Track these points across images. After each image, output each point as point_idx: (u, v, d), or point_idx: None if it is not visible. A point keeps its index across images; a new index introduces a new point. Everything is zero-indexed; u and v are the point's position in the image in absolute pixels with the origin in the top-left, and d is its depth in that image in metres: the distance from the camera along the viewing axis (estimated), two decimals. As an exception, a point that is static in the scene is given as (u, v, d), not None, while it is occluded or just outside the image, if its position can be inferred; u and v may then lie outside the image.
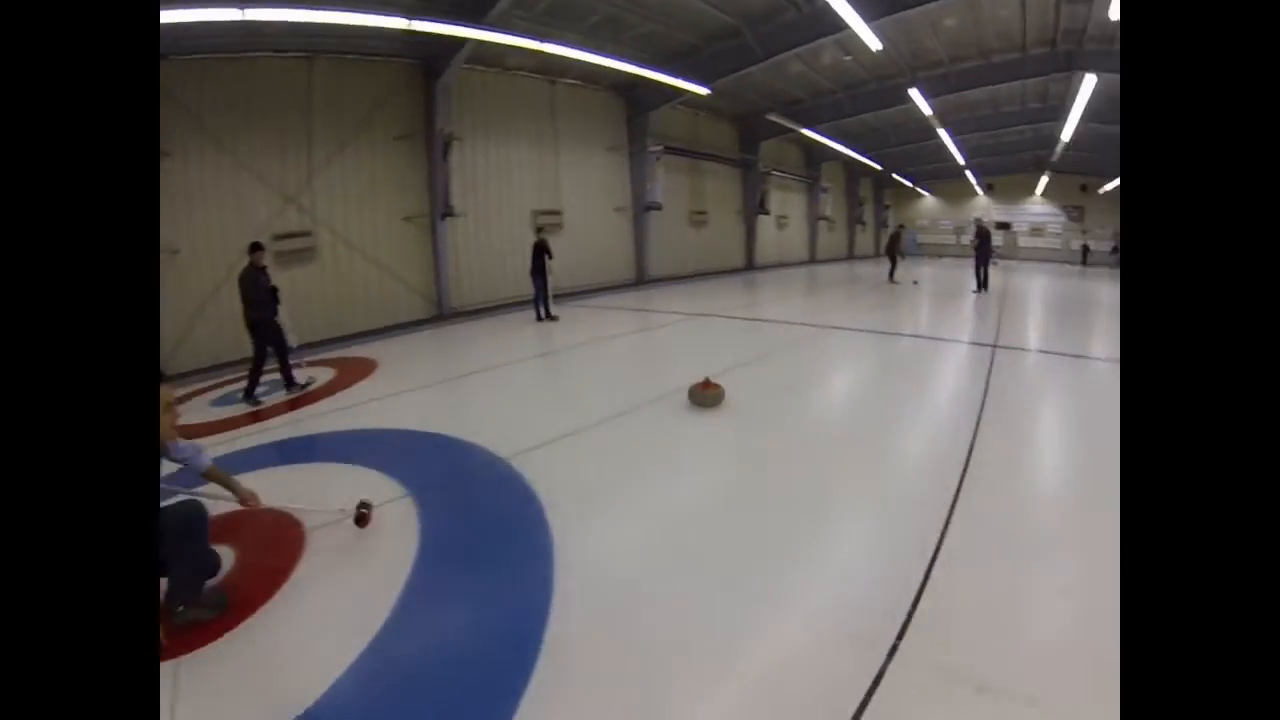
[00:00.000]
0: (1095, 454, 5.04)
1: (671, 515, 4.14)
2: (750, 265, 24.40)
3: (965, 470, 4.65)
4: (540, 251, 12.11)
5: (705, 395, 6.42)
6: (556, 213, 16.29)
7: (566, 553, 3.61)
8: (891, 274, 19.63)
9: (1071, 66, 16.78)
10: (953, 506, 4.06)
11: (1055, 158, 26.48)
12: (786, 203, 27.65)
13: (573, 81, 16.49)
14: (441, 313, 13.44)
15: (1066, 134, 20.84)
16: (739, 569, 3.41)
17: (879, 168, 29.96)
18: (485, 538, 3.90)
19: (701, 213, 21.51)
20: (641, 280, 18.75)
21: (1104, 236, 38.04)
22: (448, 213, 13.12)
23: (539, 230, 12.72)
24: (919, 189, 39.59)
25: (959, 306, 14.70)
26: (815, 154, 27.69)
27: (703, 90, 15.53)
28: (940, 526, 3.80)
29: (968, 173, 33.41)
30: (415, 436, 5.85)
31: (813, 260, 30.21)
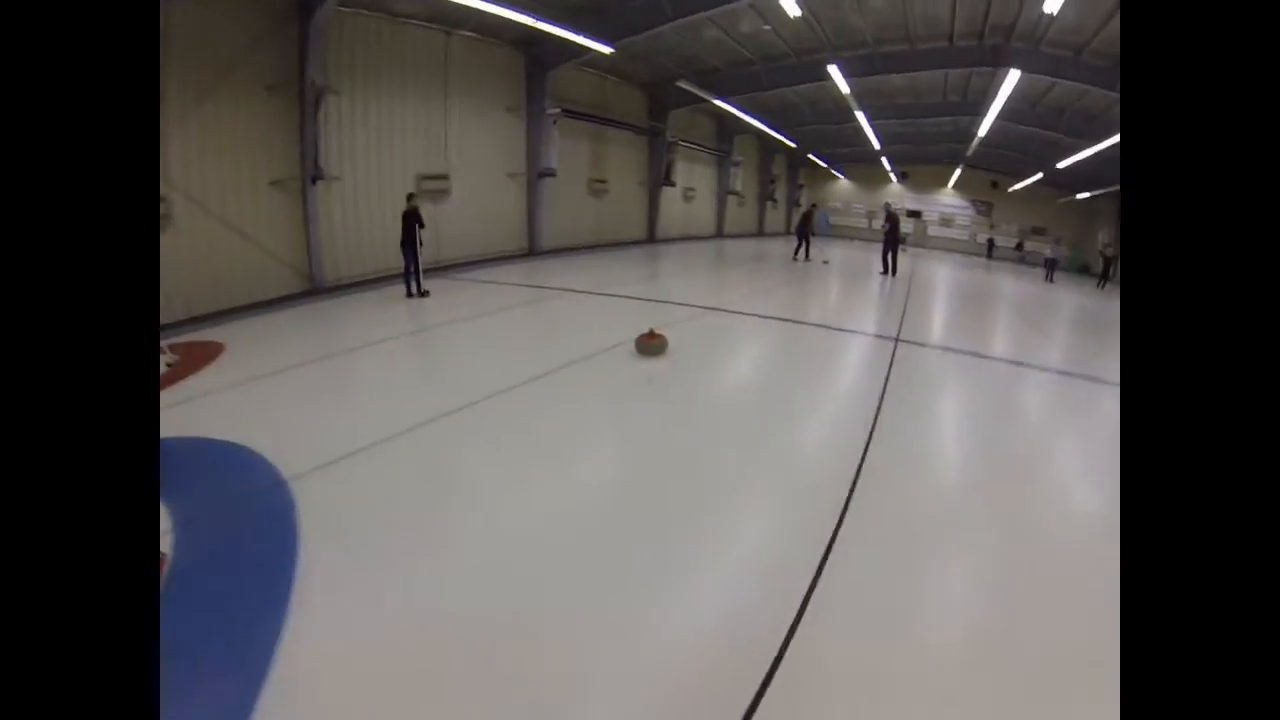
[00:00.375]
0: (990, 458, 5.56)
1: (494, 567, 3.44)
2: (652, 238, 22.85)
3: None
4: (411, 220, 10.79)
5: (650, 346, 7.52)
6: (443, 177, 14.43)
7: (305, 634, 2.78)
8: (797, 252, 19.74)
9: (997, 62, 16.02)
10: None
11: (970, 152, 26.04)
12: (695, 175, 26.12)
13: (470, 34, 14.61)
14: (315, 287, 11.67)
15: (983, 129, 20.21)
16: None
17: (794, 145, 28.71)
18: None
19: (602, 181, 19.76)
20: (533, 251, 17.05)
21: (1009, 232, 38.61)
22: (318, 175, 11.28)
23: (410, 197, 10.99)
24: (834, 171, 38.98)
25: (865, 292, 14.87)
26: (729, 127, 26.21)
27: (605, 49, 14.00)
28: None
29: (883, 159, 32.85)
30: (203, 450, 4.81)
31: (720, 235, 28.95)
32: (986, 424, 6.51)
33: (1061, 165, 24.62)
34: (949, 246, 39.76)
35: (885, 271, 17.50)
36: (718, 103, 19.68)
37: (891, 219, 17.85)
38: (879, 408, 6.33)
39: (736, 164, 27.89)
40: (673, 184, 22.60)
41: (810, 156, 33.82)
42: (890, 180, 39.81)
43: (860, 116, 21.40)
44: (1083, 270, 37.16)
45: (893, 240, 17.59)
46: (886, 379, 7.40)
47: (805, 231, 20.39)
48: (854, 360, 8.68)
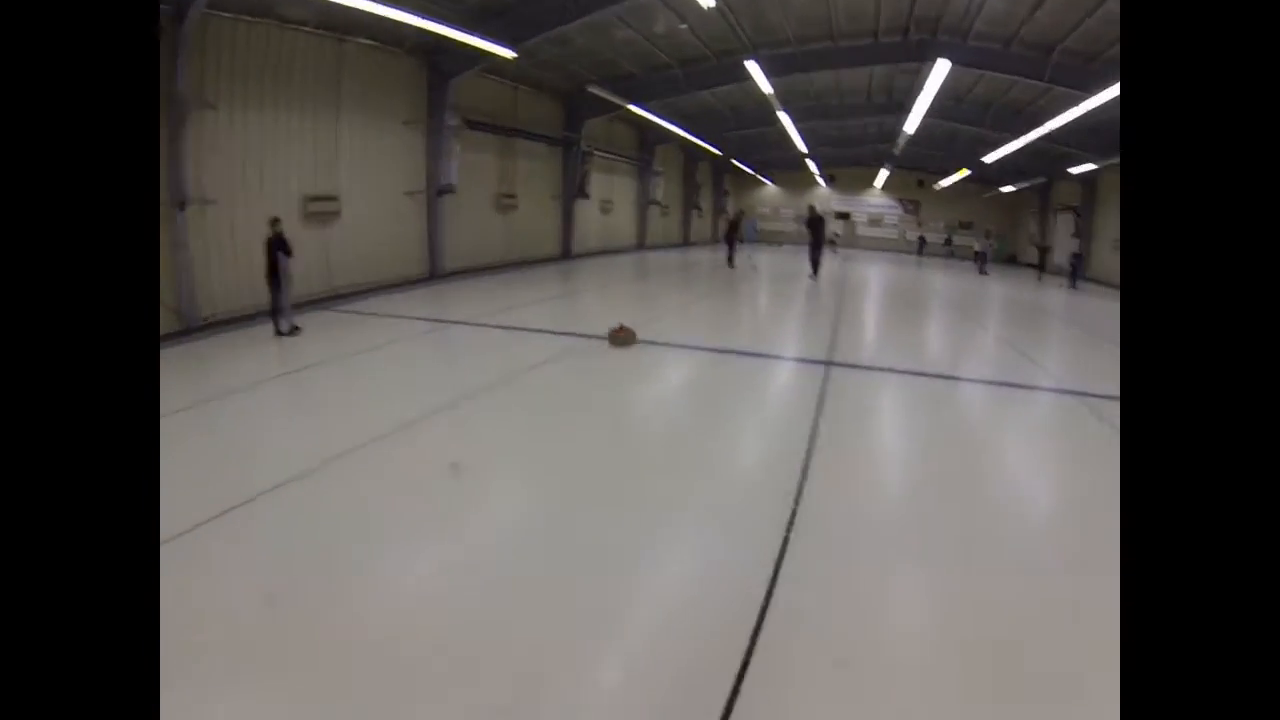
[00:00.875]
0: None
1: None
2: (567, 254, 21.20)
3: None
4: (276, 249, 9.10)
5: (620, 338, 8.72)
6: (331, 198, 12.63)
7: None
8: (730, 259, 19.55)
9: (923, 56, 15.21)
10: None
11: (897, 151, 25.44)
12: (614, 186, 24.71)
13: (365, 41, 13.09)
14: (188, 325, 9.89)
15: (911, 126, 19.45)
16: None
17: (718, 152, 27.74)
18: None
19: (510, 196, 18.10)
20: (435, 275, 15.33)
21: (937, 229, 38.56)
22: (183, 201, 9.65)
23: (273, 222, 9.34)
24: (761, 177, 38.32)
25: (793, 301, 14.09)
26: (650, 135, 24.95)
27: (508, 52, 12.55)
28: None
29: (810, 162, 32.15)
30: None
31: (642, 247, 27.43)
32: (952, 496, 4.82)
33: (989, 160, 24.19)
34: (879, 246, 39.61)
35: (814, 274, 17.36)
36: (634, 109, 18.46)
37: (815, 220, 17.85)
38: (798, 495, 4.53)
39: (658, 174, 26.69)
40: (587, 196, 21.10)
41: (735, 163, 32.86)
42: (818, 184, 39.35)
43: (784, 118, 20.41)
44: (1009, 260, 37.49)
45: (817, 241, 17.54)
46: (814, 430, 5.92)
47: (733, 239, 20.37)
48: (775, 404, 7.28)
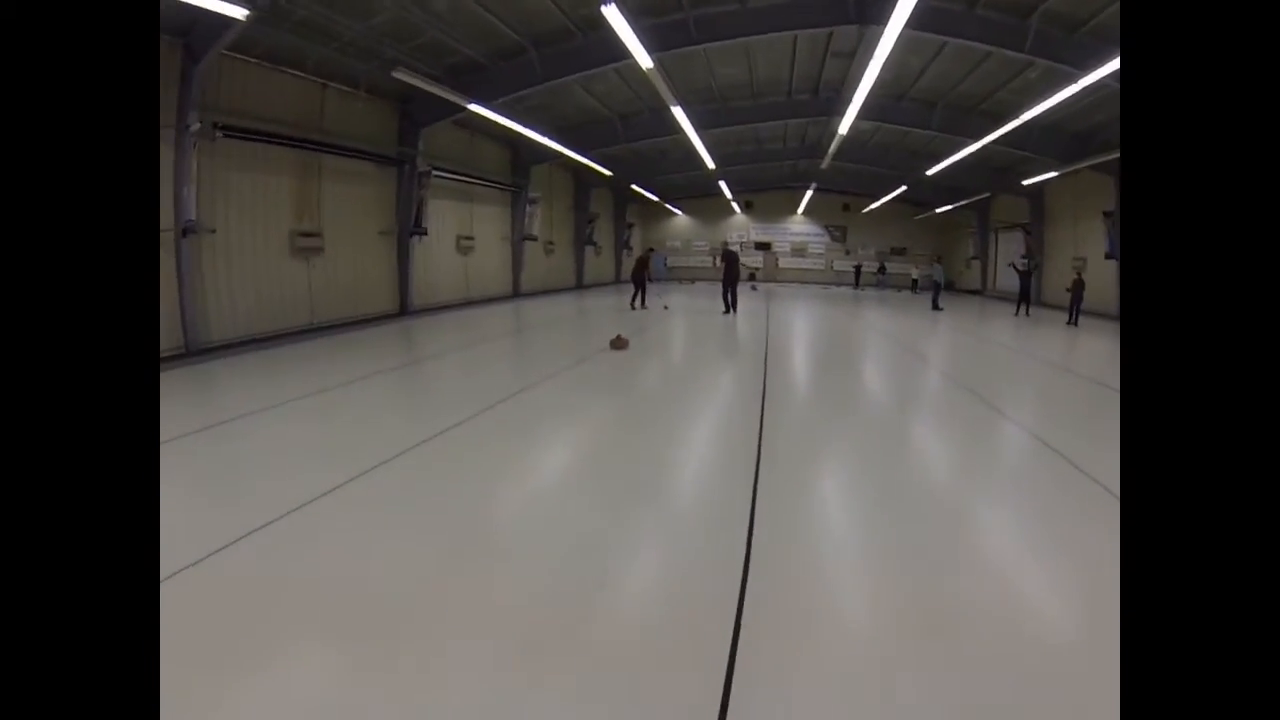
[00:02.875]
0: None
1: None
2: (405, 309, 15.44)
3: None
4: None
5: (619, 344, 10.22)
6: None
7: None
8: (635, 300, 17.78)
9: (864, 19, 10.90)
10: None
11: (825, 164, 21.24)
12: (475, 218, 18.86)
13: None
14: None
15: (845, 125, 15.15)
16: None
17: (607, 172, 22.33)
18: None
19: (311, 234, 12.87)
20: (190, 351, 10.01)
21: (867, 256, 34.87)
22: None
23: None
24: (669, 206, 33.83)
25: (707, 366, 10.32)
26: (523, 153, 19.86)
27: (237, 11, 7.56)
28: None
29: (722, 184, 27.62)
30: None
31: (518, 294, 21.47)
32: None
33: (933, 171, 20.25)
34: (804, 278, 35.64)
35: (727, 311, 16.56)
36: (479, 110, 13.27)
37: (728, 257, 17.30)
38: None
39: (534, 201, 21.04)
40: (425, 232, 15.35)
41: (635, 188, 27.94)
42: (733, 211, 35.24)
43: (680, 115, 15.37)
44: (947, 286, 33.74)
45: (731, 278, 16.89)
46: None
47: (642, 278, 17.89)
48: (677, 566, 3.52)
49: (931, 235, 33.62)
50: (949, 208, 28.08)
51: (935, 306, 20.05)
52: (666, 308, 17.93)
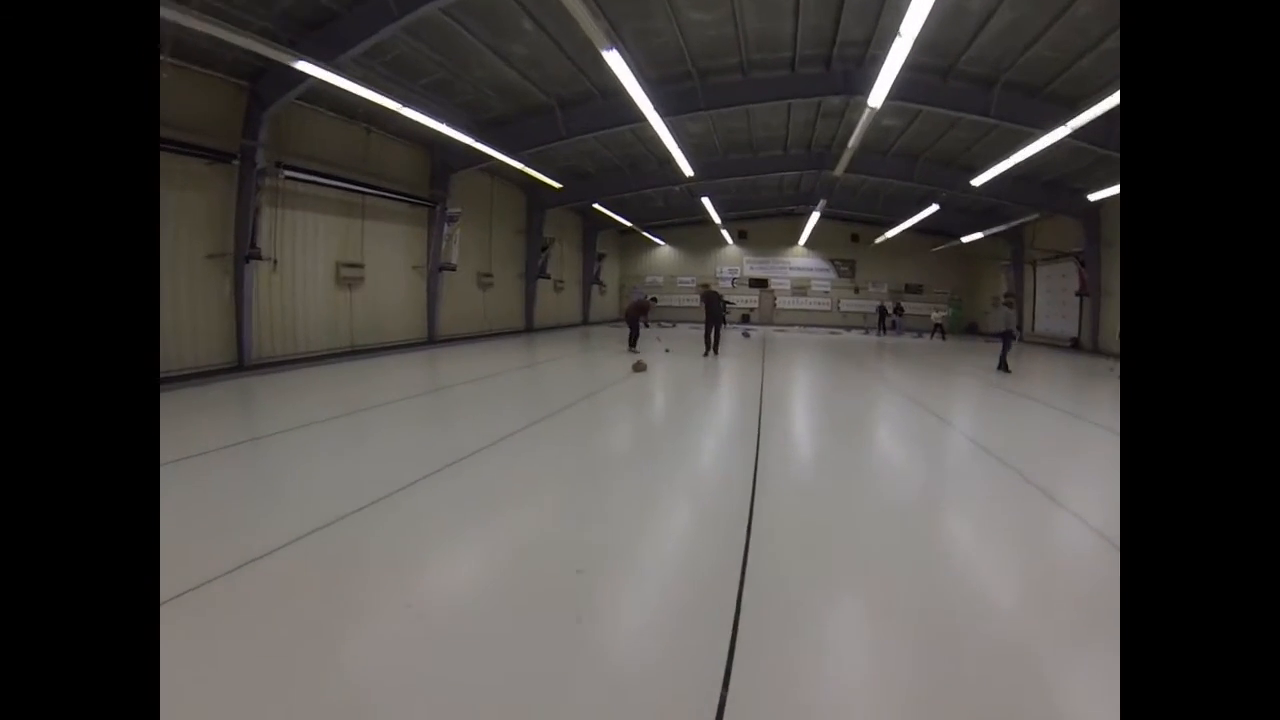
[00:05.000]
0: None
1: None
2: (242, 365, 10.65)
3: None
4: None
5: (638, 365, 11.63)
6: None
7: None
8: (632, 341, 16.61)
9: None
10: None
11: (839, 171, 16.73)
12: (377, 239, 14.00)
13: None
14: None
15: (876, 98, 10.69)
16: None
17: (555, 184, 17.43)
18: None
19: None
20: None
21: (879, 294, 30.46)
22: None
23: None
24: (648, 235, 29.37)
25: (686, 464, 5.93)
26: (438, 156, 15.27)
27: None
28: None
29: (706, 202, 22.68)
30: None
31: (432, 340, 15.90)
32: None
33: (979, 182, 15.75)
34: (806, 320, 31.09)
35: (708, 352, 15.99)
36: (353, 87, 8.94)
37: (709, 298, 16.63)
38: None
39: (453, 218, 15.94)
40: (260, 257, 10.46)
41: (598, 208, 22.70)
42: (724, 242, 30.76)
43: (659, 127, 11.30)
44: (969, 329, 29.33)
45: (713, 318, 16.34)
46: None
47: (637, 321, 16.86)
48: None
49: (953, 269, 29.36)
50: (978, 235, 23.70)
51: (1002, 367, 13.41)
52: (668, 350, 16.73)
